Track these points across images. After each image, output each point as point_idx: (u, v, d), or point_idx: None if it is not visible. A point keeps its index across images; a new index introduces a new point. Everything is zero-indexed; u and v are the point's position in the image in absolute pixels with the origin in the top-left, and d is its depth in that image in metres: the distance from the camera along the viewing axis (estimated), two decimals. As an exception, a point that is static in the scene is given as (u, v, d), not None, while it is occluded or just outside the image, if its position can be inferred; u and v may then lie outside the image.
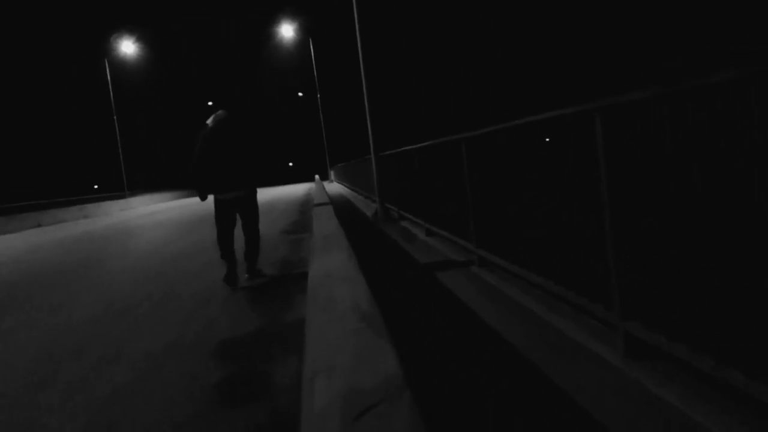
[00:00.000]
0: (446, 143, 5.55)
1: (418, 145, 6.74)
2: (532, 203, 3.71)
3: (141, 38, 49.80)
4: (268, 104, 69.59)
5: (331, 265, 2.22)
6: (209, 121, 5.54)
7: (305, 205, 16.13)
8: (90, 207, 28.15)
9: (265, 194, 25.59)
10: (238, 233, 5.63)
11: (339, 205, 15.22)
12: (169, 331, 4.14)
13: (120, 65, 51.27)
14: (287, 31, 40.81)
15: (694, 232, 2.17)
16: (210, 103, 70.04)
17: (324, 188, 10.71)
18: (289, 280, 5.58)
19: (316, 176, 35.20)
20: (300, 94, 58.32)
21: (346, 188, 25.52)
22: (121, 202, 33.28)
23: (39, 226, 21.96)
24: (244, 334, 3.86)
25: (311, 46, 38.14)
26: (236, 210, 5.59)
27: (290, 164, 69.22)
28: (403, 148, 8.00)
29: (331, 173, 39.45)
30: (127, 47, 46.02)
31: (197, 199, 34.79)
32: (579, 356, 2.88)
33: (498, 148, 4.32)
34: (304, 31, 39.62)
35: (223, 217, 5.56)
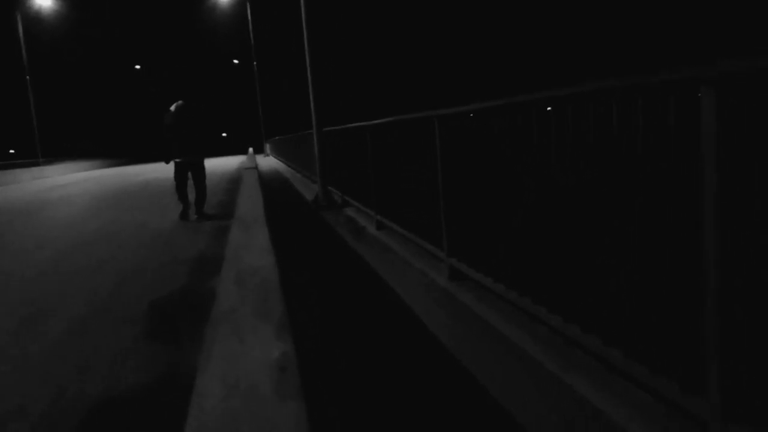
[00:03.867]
0: (412, 121, 4.40)
1: (374, 122, 5.55)
2: (546, 202, 2.63)
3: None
4: (200, 71, 65.42)
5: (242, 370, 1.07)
6: (172, 108, 8.08)
7: (234, 183, 14.60)
8: (-2, 174, 25.36)
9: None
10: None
11: (275, 185, 13.81)
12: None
13: (35, 19, 46.60)
14: (223, -8, 38.09)
15: None
16: (137, 67, 65.30)
17: (256, 175, 9.36)
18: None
19: (250, 149, 33.25)
20: (236, 61, 55.26)
21: (282, 164, 23.90)
22: (35, 170, 30.36)
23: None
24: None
25: (248, 8, 35.69)
26: (189, 170, 8.20)
27: (224, 135, 65.84)
28: (353, 124, 6.78)
29: (267, 146, 37.42)
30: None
31: (120, 169, 32.65)
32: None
33: (487, 131, 3.21)
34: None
35: (180, 174, 8.21)
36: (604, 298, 2.24)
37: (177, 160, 8.09)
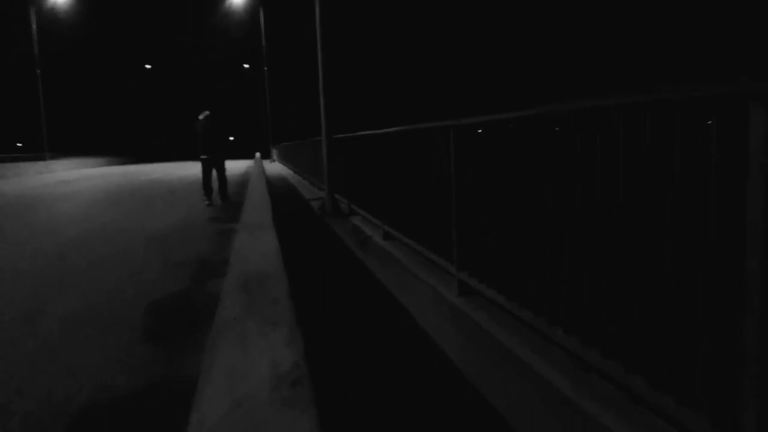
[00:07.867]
0: (427, 130, 4.30)
1: (386, 130, 5.45)
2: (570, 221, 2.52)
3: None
4: (210, 73, 65.64)
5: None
6: (201, 117, 10.56)
7: (240, 187, 14.52)
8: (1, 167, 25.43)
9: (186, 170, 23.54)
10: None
11: (281, 191, 13.72)
12: None
13: (49, 15, 46.93)
14: (237, -4, 38.25)
15: None
16: (148, 66, 65.36)
17: (264, 181, 9.28)
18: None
19: (257, 154, 33.25)
20: (246, 65, 55.49)
21: (288, 170, 23.84)
22: (40, 165, 30.40)
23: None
24: None
25: (261, 13, 35.83)
26: (213, 165, 10.73)
27: (231, 138, 65.91)
28: (363, 132, 6.69)
29: (274, 152, 37.42)
30: (58, -4, 42.08)
31: (126, 167, 32.89)
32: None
33: (506, 142, 3.11)
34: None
35: (206, 168, 10.65)
36: (628, 321, 2.12)
37: (203, 156, 10.59)
